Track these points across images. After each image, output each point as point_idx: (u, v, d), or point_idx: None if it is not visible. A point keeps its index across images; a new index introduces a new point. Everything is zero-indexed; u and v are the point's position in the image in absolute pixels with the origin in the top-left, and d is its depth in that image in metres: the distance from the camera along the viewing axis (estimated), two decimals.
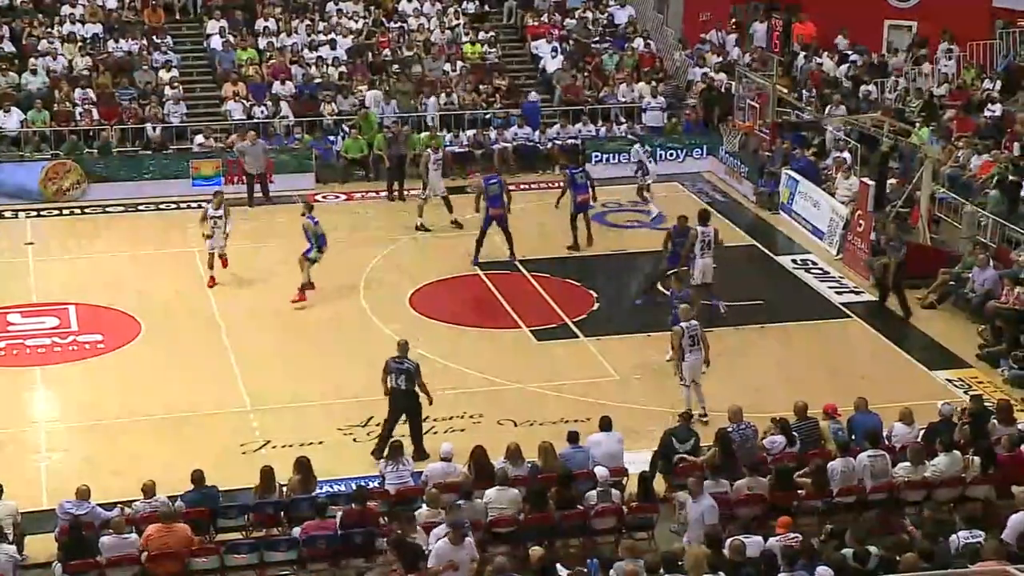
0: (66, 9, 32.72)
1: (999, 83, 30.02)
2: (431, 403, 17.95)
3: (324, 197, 28.88)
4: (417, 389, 17.76)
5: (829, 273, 25.05)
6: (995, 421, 17.30)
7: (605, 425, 16.84)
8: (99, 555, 14.35)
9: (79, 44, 31.88)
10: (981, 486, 15.99)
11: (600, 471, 15.75)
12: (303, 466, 15.95)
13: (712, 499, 14.83)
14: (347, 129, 30.46)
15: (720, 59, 33.54)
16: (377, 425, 18.57)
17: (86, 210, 28.03)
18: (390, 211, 28.35)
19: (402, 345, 17.94)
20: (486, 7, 35.82)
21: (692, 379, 18.87)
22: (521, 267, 24.97)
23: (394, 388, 17.72)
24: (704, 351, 18.96)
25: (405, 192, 28.80)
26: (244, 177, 28.42)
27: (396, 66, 32.44)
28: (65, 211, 27.99)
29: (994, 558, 13.06)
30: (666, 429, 16.95)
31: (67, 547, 14.51)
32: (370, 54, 33.08)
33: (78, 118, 29.81)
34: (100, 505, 15.24)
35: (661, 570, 13.09)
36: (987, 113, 28.73)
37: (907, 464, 16.05)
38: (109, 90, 30.65)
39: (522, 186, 29.12)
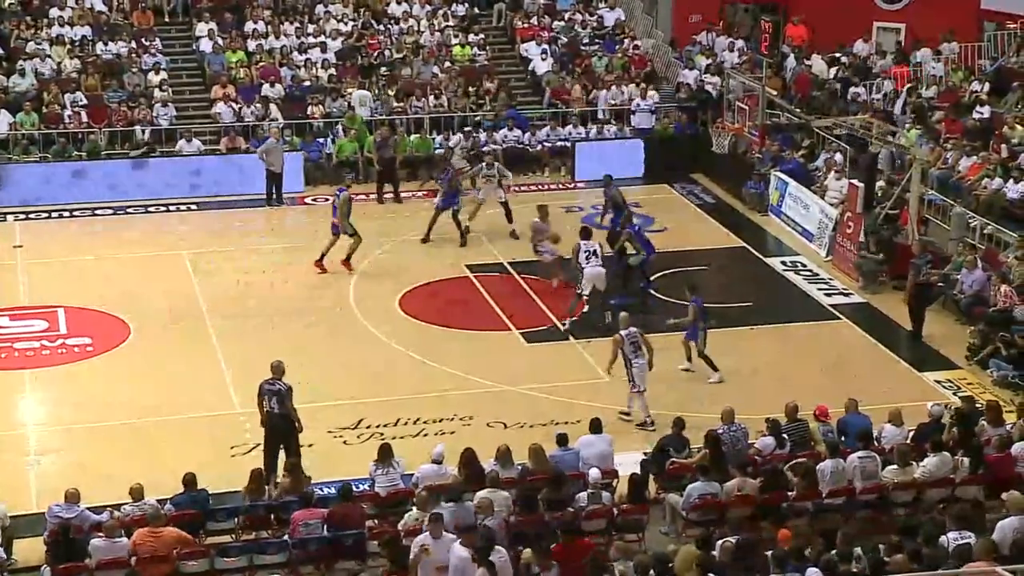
0: (54, 11, 32.64)
1: (987, 85, 30.07)
2: (300, 429, 17.12)
3: (314, 199, 28.87)
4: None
5: (819, 275, 25.07)
6: (984, 422, 17.34)
7: (595, 427, 16.83)
8: (88, 558, 14.30)
9: (68, 46, 31.80)
10: (970, 487, 16.02)
11: (593, 473, 15.73)
12: (293, 468, 15.95)
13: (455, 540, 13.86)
14: (339, 130, 30.40)
15: (710, 61, 33.55)
16: (368, 427, 18.58)
17: (75, 212, 27.96)
18: (380, 213, 28.32)
19: (276, 367, 17.06)
20: (476, 9, 35.80)
21: (645, 385, 18.80)
22: (511, 269, 24.99)
23: (268, 412, 16.95)
24: (648, 354, 18.96)
25: (399, 194, 28.90)
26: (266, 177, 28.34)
27: (385, 68, 32.43)
28: (54, 214, 27.92)
29: (984, 559, 13.07)
30: (660, 439, 16.95)
31: (56, 550, 14.47)
32: (359, 56, 33.06)
33: (67, 120, 29.76)
34: (89, 508, 15.18)
35: (651, 571, 13.08)
36: (975, 115, 28.76)
37: (894, 466, 16.08)
38: (98, 92, 30.59)
39: (512, 188, 29.04)
